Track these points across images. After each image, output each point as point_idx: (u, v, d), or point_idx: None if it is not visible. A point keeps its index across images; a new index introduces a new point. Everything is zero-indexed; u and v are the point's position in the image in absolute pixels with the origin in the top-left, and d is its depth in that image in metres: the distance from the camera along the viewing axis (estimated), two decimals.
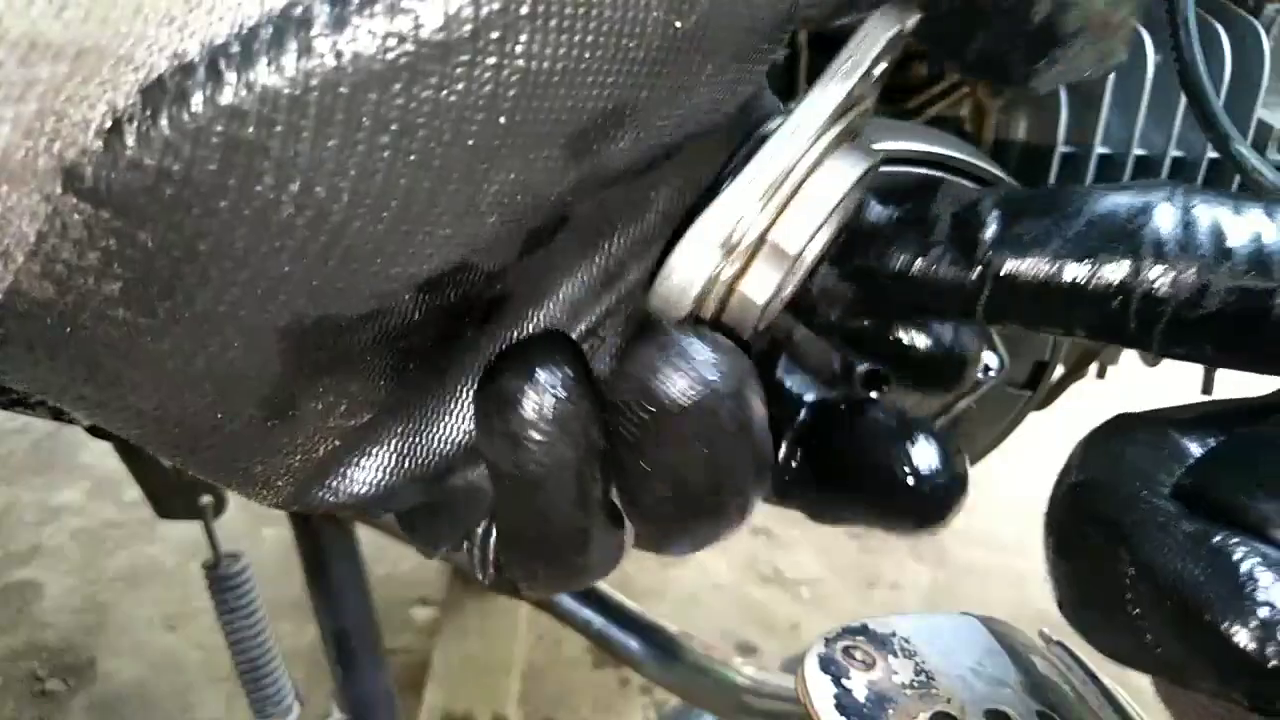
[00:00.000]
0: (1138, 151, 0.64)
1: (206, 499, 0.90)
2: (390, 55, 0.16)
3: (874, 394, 0.59)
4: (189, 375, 0.19)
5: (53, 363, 0.18)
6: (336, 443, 0.23)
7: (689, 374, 0.22)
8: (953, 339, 0.34)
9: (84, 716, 1.56)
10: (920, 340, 0.34)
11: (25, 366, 0.18)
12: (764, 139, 0.24)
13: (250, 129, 0.15)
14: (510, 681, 1.46)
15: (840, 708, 0.33)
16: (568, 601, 1.07)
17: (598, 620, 1.05)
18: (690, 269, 0.23)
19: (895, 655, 0.35)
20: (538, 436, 0.21)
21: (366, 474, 0.24)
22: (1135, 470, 0.25)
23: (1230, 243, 0.24)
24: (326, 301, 0.19)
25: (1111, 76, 0.61)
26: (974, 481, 0.37)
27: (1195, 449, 0.25)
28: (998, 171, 0.60)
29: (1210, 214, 0.24)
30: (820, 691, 0.33)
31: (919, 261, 0.26)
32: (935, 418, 0.65)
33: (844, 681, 0.33)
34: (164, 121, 0.15)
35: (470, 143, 0.17)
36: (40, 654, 1.67)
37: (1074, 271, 0.25)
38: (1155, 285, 0.24)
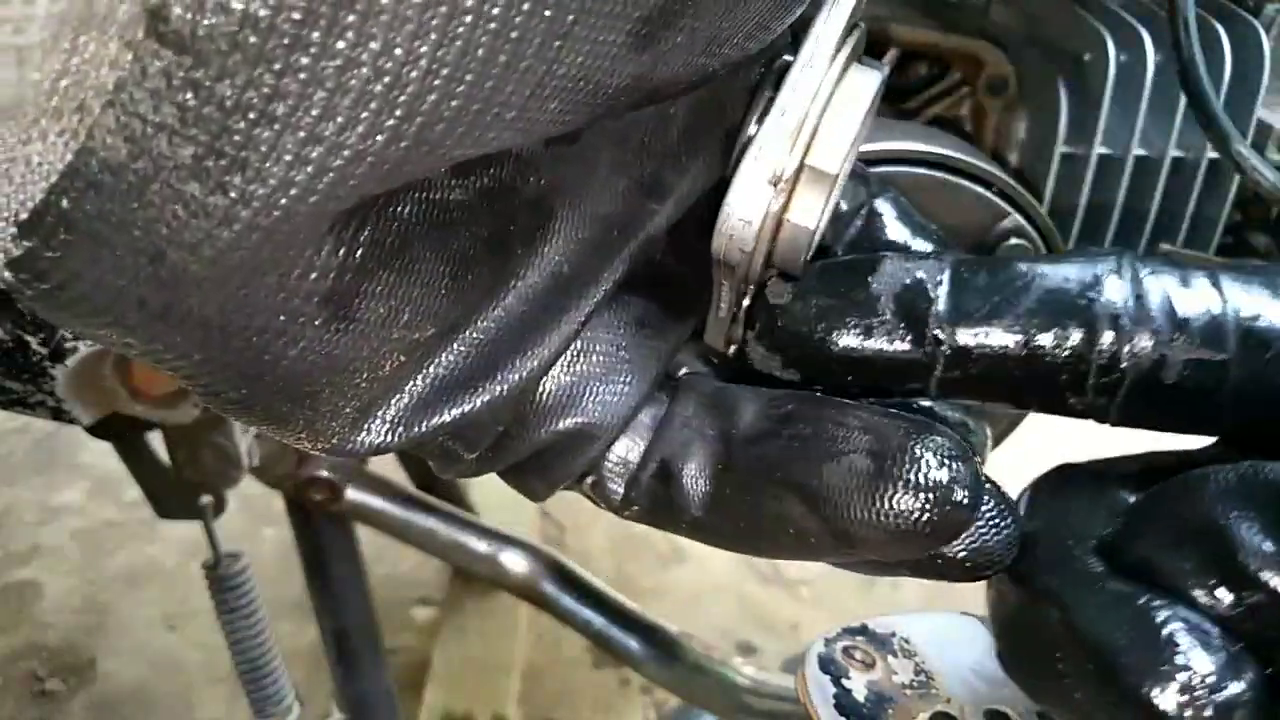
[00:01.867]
0: (1138, 151, 0.64)
1: (206, 499, 0.90)
2: None
3: None
4: (254, 267, 0.19)
5: (115, 254, 0.17)
6: (401, 358, 0.23)
7: None
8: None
9: (84, 716, 1.56)
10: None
11: (87, 261, 0.17)
12: (783, 71, 0.26)
13: None
14: (510, 681, 1.46)
15: (840, 708, 0.33)
16: (568, 601, 1.07)
17: (598, 620, 1.05)
18: (748, 206, 0.26)
19: (895, 655, 0.35)
20: None
21: (432, 400, 0.24)
22: (1069, 526, 0.25)
23: (1183, 315, 0.24)
24: (390, 183, 0.19)
25: (1111, 76, 0.61)
26: None
27: (1133, 499, 0.25)
28: (997, 171, 0.60)
29: (1160, 286, 0.25)
30: (820, 691, 0.33)
31: (866, 341, 0.26)
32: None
33: (844, 681, 0.34)
34: None
35: (547, 14, 0.17)
36: (40, 654, 1.67)
37: (1030, 344, 0.25)
38: (1112, 357, 0.24)
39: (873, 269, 0.27)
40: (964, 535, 0.26)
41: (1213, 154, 0.64)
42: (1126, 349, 0.24)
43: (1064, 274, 0.25)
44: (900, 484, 0.24)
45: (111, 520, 1.96)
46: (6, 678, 1.62)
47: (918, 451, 0.24)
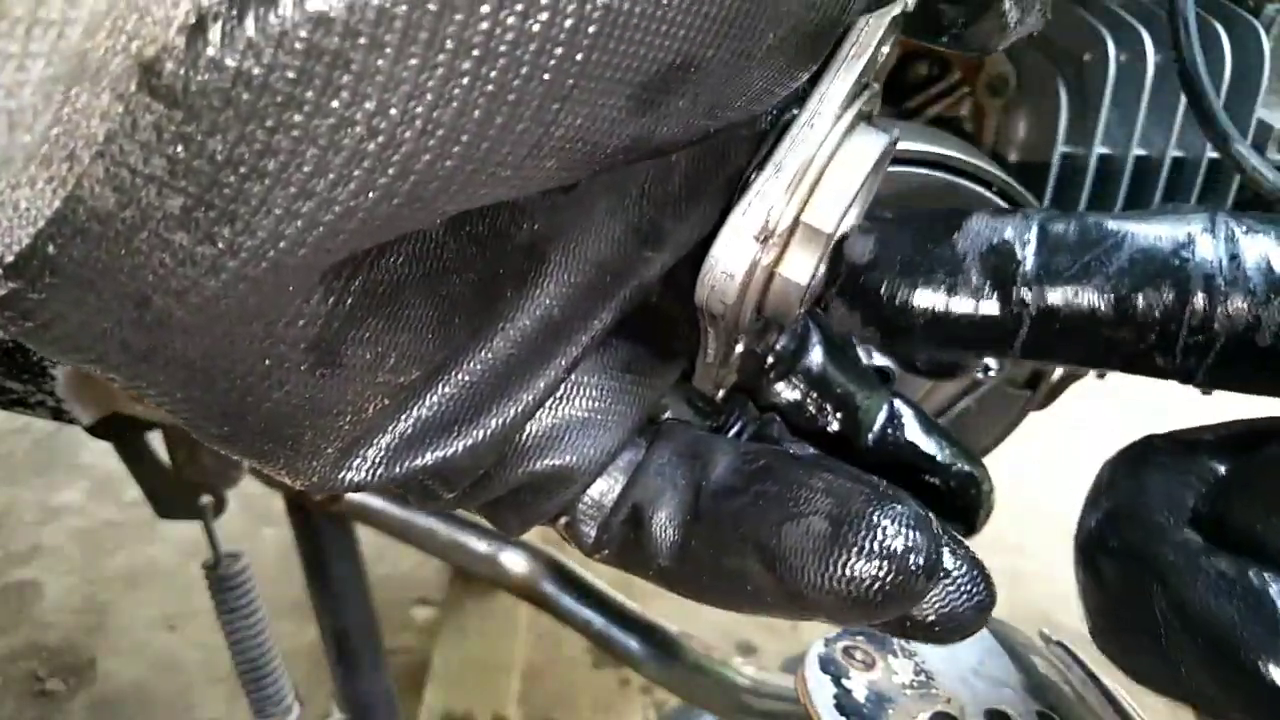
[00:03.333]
0: (1138, 151, 0.64)
1: (206, 499, 0.90)
2: None
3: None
4: (240, 315, 0.18)
5: (101, 298, 0.17)
6: (385, 401, 0.23)
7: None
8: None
9: (84, 716, 1.56)
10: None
11: (72, 303, 0.17)
12: (786, 127, 0.26)
13: (335, 38, 0.15)
14: (510, 681, 1.46)
15: (840, 708, 0.33)
16: (568, 601, 1.07)
17: (598, 620, 1.05)
18: (731, 259, 0.25)
19: (895, 655, 0.35)
20: None
21: (415, 441, 0.24)
22: (1162, 498, 0.25)
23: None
24: (381, 237, 0.19)
25: (1111, 76, 0.61)
26: None
27: (1221, 468, 0.25)
28: (997, 172, 0.60)
29: (1256, 246, 0.24)
30: (820, 691, 0.33)
31: (951, 302, 0.25)
32: (936, 416, 0.65)
33: (844, 681, 0.34)
34: (250, 21, 0.15)
35: (546, 77, 0.17)
36: (40, 654, 1.67)
37: (1120, 305, 0.24)
38: (1205, 319, 0.24)
39: (958, 226, 0.26)
40: (933, 598, 0.25)
41: (1213, 154, 0.64)
42: (1220, 310, 0.24)
43: (1156, 232, 0.25)
44: (854, 550, 0.23)
45: (111, 520, 1.96)
46: (6, 678, 1.62)
47: (876, 519, 0.24)
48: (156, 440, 0.85)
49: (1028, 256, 0.25)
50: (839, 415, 0.33)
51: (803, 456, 0.27)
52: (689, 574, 0.27)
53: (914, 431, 0.34)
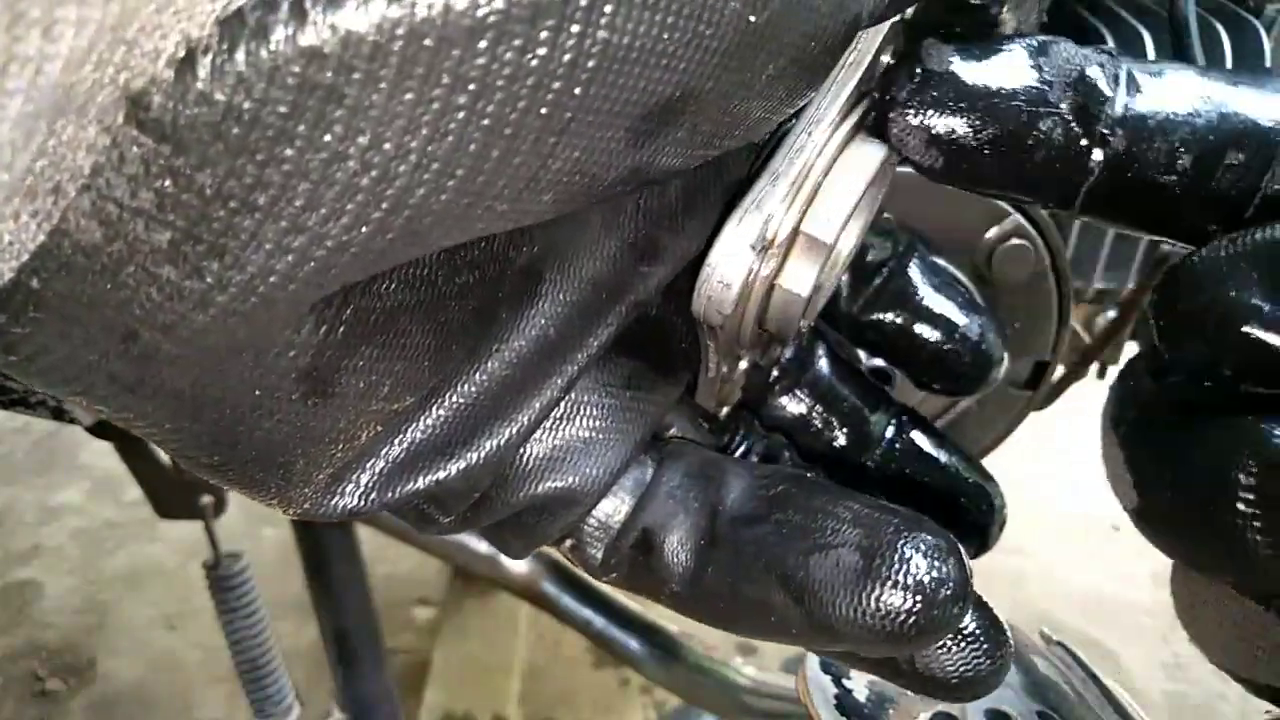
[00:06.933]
0: None
1: (207, 499, 0.90)
2: (480, 12, 0.15)
3: None
4: (230, 347, 0.18)
5: (87, 331, 0.17)
6: (378, 427, 0.23)
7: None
8: (978, 336, 0.34)
9: (84, 716, 1.56)
10: (932, 334, 0.33)
11: (57, 336, 0.17)
12: (783, 135, 0.25)
13: (328, 73, 0.15)
14: (510, 681, 1.46)
15: (841, 708, 0.33)
16: (568, 601, 1.07)
17: (598, 620, 1.06)
18: (727, 269, 0.25)
19: None
20: None
21: (407, 465, 0.23)
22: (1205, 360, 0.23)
23: None
24: (374, 270, 0.19)
25: None
26: None
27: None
28: None
29: None
30: (821, 691, 0.33)
31: (1030, 131, 0.24)
32: (936, 418, 0.65)
33: (845, 681, 0.34)
34: (240, 55, 0.15)
35: (544, 111, 0.17)
36: (40, 654, 1.67)
37: (1198, 164, 0.23)
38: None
39: (1045, 51, 0.25)
40: (957, 660, 0.25)
41: None
42: None
43: (1255, 99, 0.23)
44: (888, 584, 0.23)
45: (111, 520, 1.96)
46: (6, 678, 1.62)
47: (907, 551, 0.24)
48: None
49: (1116, 97, 0.23)
50: (845, 429, 0.33)
51: (821, 482, 0.27)
52: (703, 600, 0.27)
53: (923, 446, 0.33)
